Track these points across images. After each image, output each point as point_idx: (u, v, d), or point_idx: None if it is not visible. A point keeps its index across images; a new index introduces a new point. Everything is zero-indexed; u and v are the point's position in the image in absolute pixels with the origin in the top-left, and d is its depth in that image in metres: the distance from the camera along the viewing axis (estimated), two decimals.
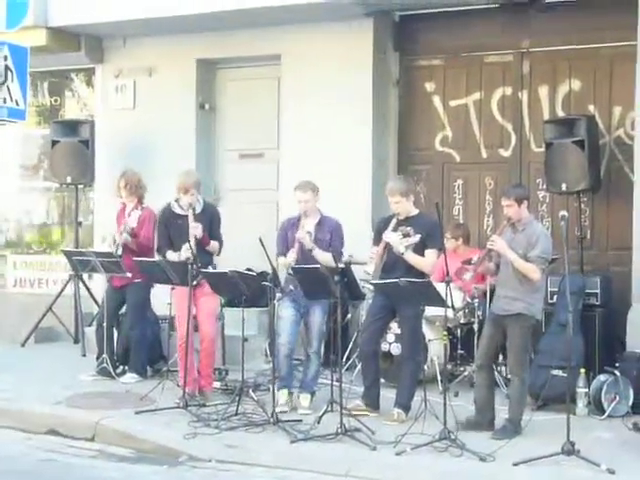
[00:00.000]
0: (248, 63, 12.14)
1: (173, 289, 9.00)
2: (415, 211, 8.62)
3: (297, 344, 9.03)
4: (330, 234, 8.76)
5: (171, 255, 9.05)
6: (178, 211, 9.17)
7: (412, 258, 8.36)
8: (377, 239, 8.61)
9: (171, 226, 9.19)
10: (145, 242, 9.82)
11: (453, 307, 7.86)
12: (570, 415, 7.22)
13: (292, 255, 8.58)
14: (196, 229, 8.91)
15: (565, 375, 8.43)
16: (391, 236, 8.36)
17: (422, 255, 8.41)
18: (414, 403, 8.43)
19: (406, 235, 8.36)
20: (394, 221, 8.45)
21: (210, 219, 9.25)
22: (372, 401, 8.65)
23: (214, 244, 9.21)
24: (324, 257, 8.51)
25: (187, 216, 9.00)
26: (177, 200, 9.18)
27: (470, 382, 9.66)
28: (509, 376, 8.61)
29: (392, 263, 8.40)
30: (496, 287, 8.21)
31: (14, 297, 12.93)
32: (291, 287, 8.41)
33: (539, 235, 7.94)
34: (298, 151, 11.57)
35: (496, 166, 11.22)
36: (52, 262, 13.50)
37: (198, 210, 9.12)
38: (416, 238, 8.36)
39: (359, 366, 9.71)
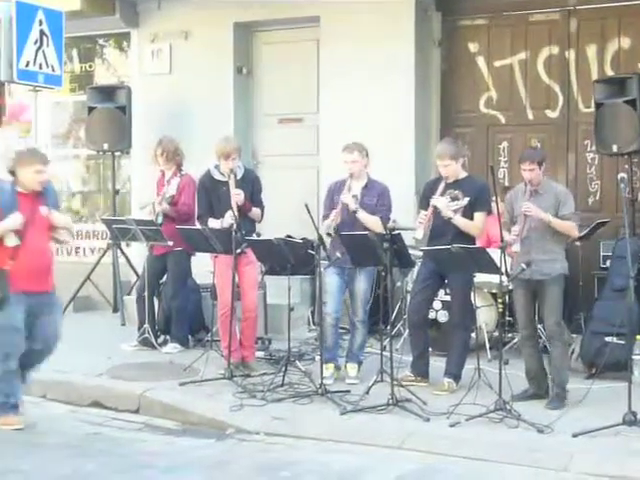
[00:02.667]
0: (286, 25, 11.87)
1: (216, 257, 8.81)
2: (464, 174, 8.38)
3: (342, 313, 8.84)
4: (377, 198, 8.52)
5: (213, 222, 8.85)
6: (218, 177, 8.95)
7: (461, 222, 8.15)
8: (423, 203, 8.39)
9: (212, 193, 8.98)
10: (185, 209, 9.64)
11: (507, 274, 7.61)
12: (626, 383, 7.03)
13: (333, 215, 8.36)
14: (238, 196, 8.70)
15: (621, 342, 8.24)
16: (439, 200, 8.14)
17: (470, 219, 8.19)
18: (464, 372, 8.26)
19: (454, 199, 8.16)
20: (442, 185, 8.22)
21: (252, 185, 9.04)
22: (421, 371, 8.47)
23: (256, 210, 9.00)
24: (370, 220, 8.30)
25: (228, 182, 8.79)
26: (217, 166, 8.97)
27: (519, 349, 9.46)
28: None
29: (440, 228, 8.19)
30: (525, 253, 7.89)
31: None
32: (338, 254, 8.17)
33: (566, 192, 7.89)
34: (338, 115, 11.33)
35: (543, 128, 10.97)
36: (89, 230, 13.37)
37: (239, 176, 8.91)
38: (465, 201, 8.16)
39: (405, 334, 9.55)
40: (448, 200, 8.16)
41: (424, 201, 8.41)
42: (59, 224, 7.51)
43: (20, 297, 7.13)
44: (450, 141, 8.74)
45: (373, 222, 8.22)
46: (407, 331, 9.24)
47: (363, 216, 8.36)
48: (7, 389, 7.34)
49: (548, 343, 8.17)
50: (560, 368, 7.81)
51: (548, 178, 8.07)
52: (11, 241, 7.14)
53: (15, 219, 7.14)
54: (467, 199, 8.17)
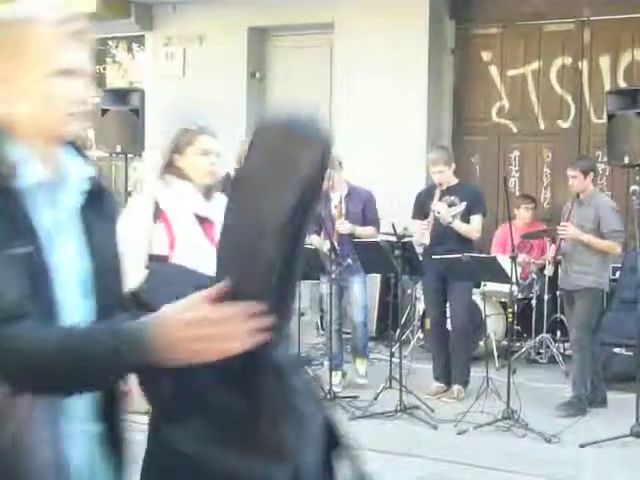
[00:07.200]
0: (300, 31, 11.91)
1: None
2: (455, 180, 8.46)
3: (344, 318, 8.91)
4: (363, 204, 8.58)
5: None
6: None
7: (461, 227, 8.22)
8: (417, 212, 8.49)
9: None
10: None
11: (518, 283, 7.65)
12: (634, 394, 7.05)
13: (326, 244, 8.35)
14: None
15: (629, 354, 8.27)
16: (440, 206, 8.20)
17: (467, 223, 8.29)
18: (472, 380, 8.28)
19: (451, 205, 8.24)
20: (437, 192, 8.29)
21: None
22: (448, 378, 8.46)
23: None
24: (367, 233, 8.45)
25: None
26: None
27: (527, 359, 9.51)
28: (568, 352, 8.44)
29: (440, 234, 8.26)
30: (564, 262, 8.01)
31: None
32: (349, 261, 8.22)
33: (606, 207, 7.76)
34: (350, 121, 11.34)
35: (554, 138, 10.99)
36: None
37: None
38: (462, 207, 8.25)
39: (413, 341, 9.60)
40: (445, 206, 8.24)
41: (417, 209, 8.49)
42: None
43: None
44: (442, 148, 8.93)
45: (371, 235, 8.39)
46: (415, 338, 9.31)
47: (361, 232, 8.44)
48: None
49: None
50: (578, 379, 7.80)
51: (597, 190, 8.05)
52: None
53: None
54: (464, 204, 8.25)
